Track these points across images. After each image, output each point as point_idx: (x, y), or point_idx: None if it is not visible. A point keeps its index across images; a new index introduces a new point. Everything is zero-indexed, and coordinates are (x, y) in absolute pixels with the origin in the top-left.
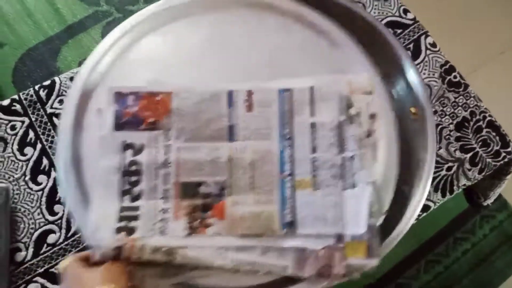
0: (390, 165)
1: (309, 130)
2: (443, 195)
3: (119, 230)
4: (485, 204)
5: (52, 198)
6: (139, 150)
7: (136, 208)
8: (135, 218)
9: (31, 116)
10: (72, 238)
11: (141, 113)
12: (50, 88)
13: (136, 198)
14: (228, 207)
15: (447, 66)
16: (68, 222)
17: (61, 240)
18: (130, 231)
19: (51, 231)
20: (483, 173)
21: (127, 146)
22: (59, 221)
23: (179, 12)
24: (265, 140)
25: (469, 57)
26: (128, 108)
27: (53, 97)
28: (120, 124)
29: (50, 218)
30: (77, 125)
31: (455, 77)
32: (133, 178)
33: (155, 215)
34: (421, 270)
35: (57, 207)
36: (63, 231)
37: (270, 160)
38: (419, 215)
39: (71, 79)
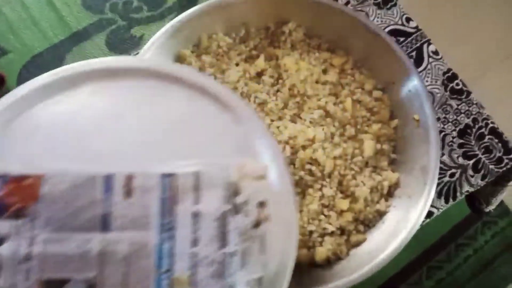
0: (287, 253)
1: (191, 221)
2: (447, 201)
3: None
4: (487, 210)
5: None
6: (0, 242)
7: None
8: None
9: None
10: None
11: (6, 199)
12: None
13: None
14: None
15: (449, 74)
16: None
17: None
18: None
19: None
20: (486, 180)
21: None
22: None
23: (70, 82)
24: (143, 230)
25: (473, 63)
26: None
27: None
28: None
29: None
30: None
31: (457, 84)
32: None
33: None
34: (424, 276)
35: None
36: None
37: (146, 254)
38: (422, 221)
39: None
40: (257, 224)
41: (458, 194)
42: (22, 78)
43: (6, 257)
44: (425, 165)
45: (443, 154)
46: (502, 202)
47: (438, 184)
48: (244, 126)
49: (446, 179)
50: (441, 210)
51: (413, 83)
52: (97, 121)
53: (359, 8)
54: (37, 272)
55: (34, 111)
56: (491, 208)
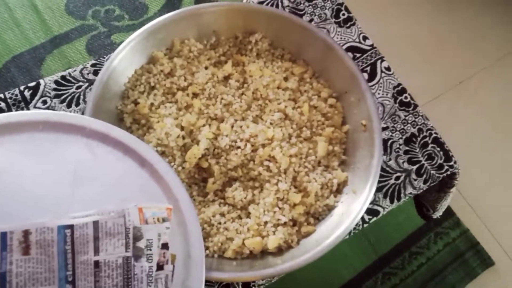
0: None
1: (93, 271)
2: (391, 202)
3: None
4: (434, 216)
5: None
6: None
7: None
8: None
9: None
10: None
11: None
12: (35, 89)
13: None
14: None
15: (399, 88)
16: None
17: None
18: None
19: None
20: (428, 184)
21: None
22: None
23: None
24: (44, 286)
25: (432, 85)
26: None
27: (36, 98)
28: None
29: None
30: None
31: (406, 97)
32: None
33: None
34: (378, 282)
35: None
36: None
37: None
38: (369, 219)
39: (56, 82)
40: (160, 267)
41: (402, 195)
42: (1, 78)
43: None
44: (368, 164)
45: (390, 159)
46: (453, 214)
47: (384, 186)
48: (147, 167)
49: (392, 181)
50: (386, 210)
51: (362, 93)
52: None
53: (322, 26)
54: None
55: None
56: (437, 214)
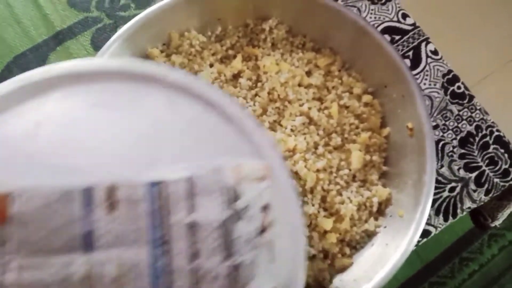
0: (296, 261)
1: (187, 232)
2: (446, 219)
3: None
4: (492, 225)
5: None
6: None
7: None
8: None
9: None
10: None
11: None
12: None
13: None
14: None
15: (450, 76)
16: None
17: None
18: None
19: None
20: (490, 195)
21: None
22: None
23: (37, 88)
24: (133, 248)
25: (476, 65)
26: None
27: None
28: None
29: None
30: None
31: (459, 87)
32: None
33: None
34: None
35: None
36: None
37: (139, 274)
38: (419, 241)
39: None
40: (262, 231)
41: (458, 211)
42: (3, 80)
43: None
44: (419, 180)
45: (442, 166)
46: (510, 213)
47: (436, 200)
48: (233, 124)
49: (446, 194)
50: (439, 229)
51: (407, 87)
52: (68, 131)
53: (351, 3)
54: None
55: None
56: (497, 223)
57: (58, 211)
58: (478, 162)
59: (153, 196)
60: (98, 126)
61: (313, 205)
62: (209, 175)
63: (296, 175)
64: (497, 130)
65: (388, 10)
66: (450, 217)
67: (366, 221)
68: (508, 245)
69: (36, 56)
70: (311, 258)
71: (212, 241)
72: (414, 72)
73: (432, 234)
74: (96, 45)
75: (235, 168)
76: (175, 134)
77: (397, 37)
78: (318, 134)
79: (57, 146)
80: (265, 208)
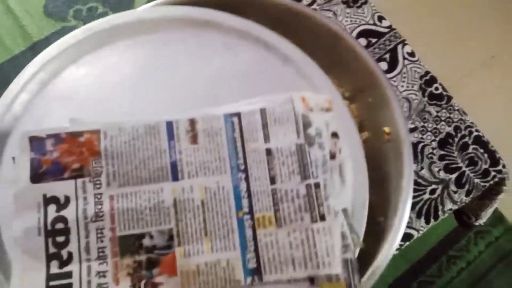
0: (360, 188)
1: (265, 158)
2: (427, 222)
3: None
4: (476, 224)
5: None
6: (64, 204)
7: (67, 275)
8: (68, 287)
9: None
10: None
11: (62, 159)
12: None
13: (66, 262)
14: (179, 260)
15: (427, 77)
16: None
17: None
18: None
19: None
20: (471, 195)
21: (48, 201)
22: None
23: (105, 37)
24: (216, 174)
25: (454, 66)
26: (47, 154)
27: None
28: (38, 175)
29: None
30: None
31: (436, 89)
32: (60, 239)
33: (91, 280)
34: None
35: None
36: None
37: (224, 198)
38: (401, 245)
39: None
40: (332, 156)
41: (440, 212)
42: None
43: (73, 219)
44: (397, 185)
45: (422, 168)
46: (495, 209)
47: (417, 203)
48: (291, 65)
49: (426, 196)
50: (421, 232)
51: (383, 92)
52: (136, 78)
53: (327, 8)
54: (110, 230)
55: (71, 70)
56: (481, 222)
57: (145, 143)
58: (458, 163)
59: (231, 126)
60: (169, 71)
61: None
62: (281, 105)
63: None
64: (476, 130)
65: (363, 13)
66: (432, 220)
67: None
68: (494, 242)
69: (14, 67)
70: None
71: (289, 165)
72: (391, 74)
73: (415, 237)
74: None
75: (303, 99)
76: (239, 76)
77: (373, 40)
78: None
79: (138, 87)
80: (333, 135)
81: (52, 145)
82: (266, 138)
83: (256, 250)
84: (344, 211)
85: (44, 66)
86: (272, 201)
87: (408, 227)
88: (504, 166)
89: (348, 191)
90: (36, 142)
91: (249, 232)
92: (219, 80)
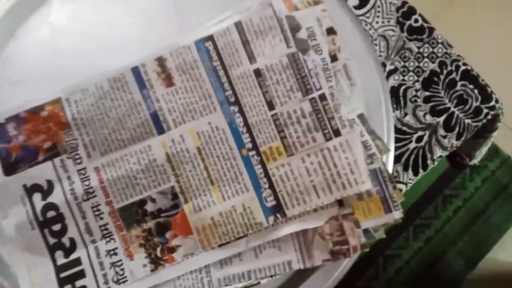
0: (371, 84)
1: (256, 82)
2: (415, 173)
3: None
4: (471, 163)
5: None
6: (48, 190)
7: (77, 262)
8: (80, 275)
9: None
10: None
11: (31, 141)
12: None
13: (71, 249)
14: (190, 216)
15: (405, 9)
16: None
17: None
18: None
19: None
20: (462, 138)
21: (31, 190)
22: None
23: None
24: (205, 115)
25: None
26: (12, 140)
27: None
28: (11, 165)
29: None
30: None
31: (416, 21)
32: (56, 227)
33: (103, 261)
34: (410, 237)
35: None
36: None
37: (220, 139)
38: None
39: None
40: (333, 57)
41: (429, 161)
42: None
43: (63, 204)
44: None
45: (405, 114)
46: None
47: (403, 154)
48: None
49: (412, 145)
50: (410, 185)
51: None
52: (84, 29)
53: None
54: (107, 205)
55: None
56: (475, 161)
57: (115, 100)
58: (445, 104)
59: (207, 54)
60: (111, 18)
61: None
62: (258, 13)
63: None
64: (464, 64)
65: None
66: (421, 170)
67: None
68: (491, 176)
69: None
70: None
71: (285, 82)
72: (363, 10)
73: (404, 191)
74: None
75: None
76: None
77: None
78: None
79: (83, 46)
80: (329, 31)
81: (15, 128)
82: (251, 58)
83: (271, 186)
84: (360, 117)
85: None
86: (275, 128)
87: (395, 181)
88: (497, 101)
89: (359, 92)
90: None
91: (258, 169)
92: (178, 5)
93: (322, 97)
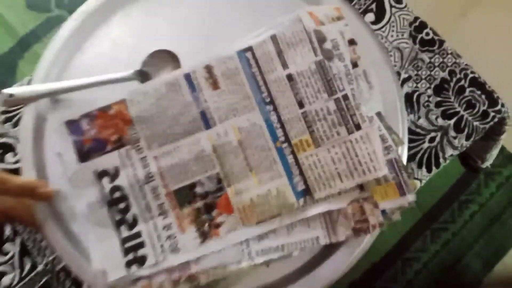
0: (388, 88)
1: (288, 85)
2: (429, 170)
3: (129, 263)
4: (483, 167)
5: None
6: (115, 174)
7: (138, 235)
8: (141, 245)
9: None
10: (28, 277)
11: (101, 134)
12: None
13: (133, 224)
14: (232, 198)
15: (417, 23)
16: (22, 261)
17: (16, 281)
18: (141, 260)
19: (4, 273)
20: (471, 139)
21: (100, 175)
22: (11, 260)
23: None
24: (245, 113)
25: (444, 8)
26: (85, 134)
27: None
28: (84, 154)
29: (1, 259)
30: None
31: (427, 34)
32: (122, 205)
33: (160, 234)
34: (428, 241)
35: (6, 247)
36: (17, 271)
37: (258, 133)
38: None
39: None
40: (355, 64)
41: (441, 160)
42: None
43: (127, 186)
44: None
45: (419, 118)
46: (503, 149)
47: (417, 153)
48: None
49: (426, 145)
50: (424, 181)
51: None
52: (142, 36)
53: None
54: (164, 187)
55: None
56: (487, 164)
57: (171, 101)
58: (455, 108)
59: (247, 62)
60: (160, 34)
61: None
62: (290, 27)
63: None
64: (472, 72)
65: None
66: (433, 168)
67: None
68: (506, 182)
69: (5, 66)
70: None
71: (313, 85)
72: (379, 25)
73: (418, 187)
74: None
75: (311, 15)
76: (235, 12)
77: None
78: None
79: (137, 57)
80: (350, 42)
81: (87, 123)
82: (284, 65)
83: (301, 173)
84: (378, 114)
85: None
86: (305, 124)
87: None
88: (503, 105)
89: (377, 95)
90: (72, 126)
91: (290, 159)
92: (220, 20)
93: (345, 97)
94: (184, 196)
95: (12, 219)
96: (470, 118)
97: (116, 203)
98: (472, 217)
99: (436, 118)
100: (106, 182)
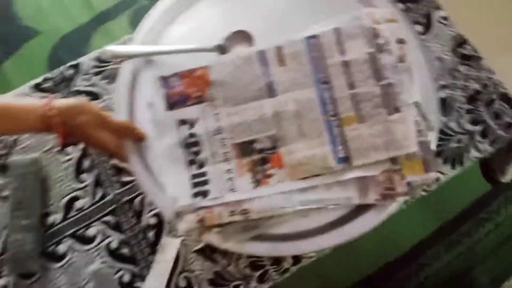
0: (427, 85)
1: (343, 69)
2: (453, 167)
3: (195, 195)
4: (503, 180)
5: (79, 167)
6: (192, 124)
7: (204, 174)
8: (205, 182)
9: (60, 93)
10: (98, 204)
11: (186, 90)
12: (76, 68)
13: (202, 165)
14: (284, 156)
15: (459, 39)
16: (94, 190)
17: (87, 206)
18: (205, 193)
19: (78, 197)
20: (494, 145)
21: (181, 122)
22: (86, 188)
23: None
24: (303, 89)
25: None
26: (174, 88)
27: (79, 76)
28: (171, 104)
29: (78, 185)
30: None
31: (467, 49)
32: (195, 149)
33: (222, 176)
34: (442, 250)
35: (83, 176)
36: (89, 197)
37: (312, 106)
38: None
39: (96, 59)
40: (401, 59)
41: (465, 159)
42: (52, 59)
43: (202, 134)
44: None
45: (450, 120)
46: None
47: (444, 150)
48: None
49: (453, 144)
50: (448, 176)
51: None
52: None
53: None
54: (230, 139)
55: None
56: (507, 178)
57: (244, 72)
58: (483, 117)
59: (311, 47)
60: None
61: None
62: (351, 23)
63: None
64: (503, 88)
65: None
66: (457, 165)
67: None
68: None
69: (80, 37)
70: None
71: (363, 72)
72: (426, 36)
73: (441, 181)
74: (135, 25)
75: (370, 14)
76: (302, 6)
77: (411, 6)
78: None
79: (221, 35)
80: (400, 41)
81: (176, 81)
82: (342, 53)
83: (343, 143)
84: (416, 103)
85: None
86: (352, 103)
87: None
88: None
89: (417, 88)
90: (165, 81)
91: (336, 131)
92: (293, 11)
93: (389, 85)
94: (245, 148)
95: (105, 150)
96: (495, 127)
97: (190, 147)
98: (487, 235)
99: (465, 123)
100: (185, 129)
